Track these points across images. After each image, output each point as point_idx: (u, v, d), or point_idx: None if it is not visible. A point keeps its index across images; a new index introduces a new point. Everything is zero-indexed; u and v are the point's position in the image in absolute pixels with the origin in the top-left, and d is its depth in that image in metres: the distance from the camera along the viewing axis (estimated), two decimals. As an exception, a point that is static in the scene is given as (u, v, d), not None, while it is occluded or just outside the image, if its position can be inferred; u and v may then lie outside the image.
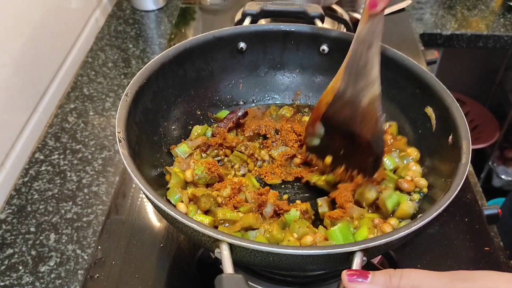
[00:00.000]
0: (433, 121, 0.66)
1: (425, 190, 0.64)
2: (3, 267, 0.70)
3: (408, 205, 0.61)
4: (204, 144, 0.71)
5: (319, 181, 0.67)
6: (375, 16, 0.58)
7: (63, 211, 0.78)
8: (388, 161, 0.67)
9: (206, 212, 0.62)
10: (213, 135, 0.73)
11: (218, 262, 0.64)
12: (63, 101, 1.00)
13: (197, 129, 0.73)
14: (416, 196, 0.64)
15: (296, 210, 0.61)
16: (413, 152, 0.68)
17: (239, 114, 0.74)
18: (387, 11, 1.26)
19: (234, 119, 0.74)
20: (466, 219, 0.75)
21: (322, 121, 0.66)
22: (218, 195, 0.62)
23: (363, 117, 0.61)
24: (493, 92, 1.78)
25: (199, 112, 0.76)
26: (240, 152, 0.71)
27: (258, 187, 0.66)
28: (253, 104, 0.81)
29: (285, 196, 0.67)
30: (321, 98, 0.66)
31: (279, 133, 0.74)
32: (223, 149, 0.71)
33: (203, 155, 0.71)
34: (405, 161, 0.68)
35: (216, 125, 0.75)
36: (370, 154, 0.62)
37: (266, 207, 0.61)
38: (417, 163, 0.67)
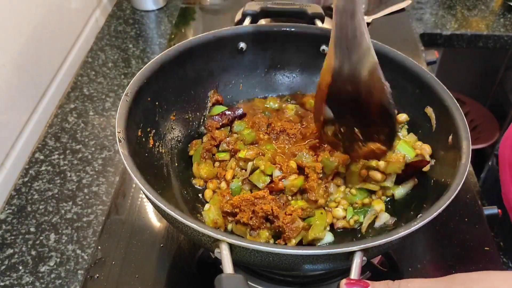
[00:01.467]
0: (433, 121, 0.66)
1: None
2: (3, 267, 0.70)
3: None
4: (204, 150, 0.70)
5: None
6: None
7: (63, 211, 0.78)
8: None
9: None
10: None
11: (218, 262, 0.63)
12: (63, 101, 1.00)
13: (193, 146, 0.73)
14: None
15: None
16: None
17: (237, 113, 0.74)
18: (387, 11, 1.26)
19: (230, 117, 0.73)
20: (466, 219, 0.75)
21: (327, 104, 0.63)
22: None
23: (367, 89, 0.59)
24: (493, 92, 1.78)
25: (199, 113, 0.76)
26: (224, 151, 0.70)
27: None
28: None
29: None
30: (319, 81, 0.64)
31: (270, 125, 0.73)
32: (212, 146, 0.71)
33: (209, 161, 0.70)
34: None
35: (211, 119, 0.74)
36: (383, 125, 0.59)
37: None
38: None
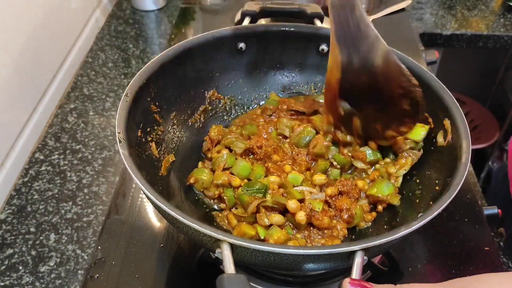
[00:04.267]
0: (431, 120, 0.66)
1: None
2: (3, 267, 0.70)
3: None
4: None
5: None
6: None
7: (63, 211, 0.78)
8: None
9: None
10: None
11: (218, 262, 0.64)
12: (63, 101, 1.00)
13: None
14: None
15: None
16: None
17: None
18: (387, 11, 1.26)
19: None
20: (466, 219, 0.76)
21: (342, 97, 0.63)
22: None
23: (384, 75, 0.58)
24: (493, 92, 1.78)
25: (199, 113, 0.76)
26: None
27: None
28: (253, 104, 0.82)
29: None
30: (327, 78, 0.63)
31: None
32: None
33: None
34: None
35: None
36: (405, 103, 0.60)
37: None
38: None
